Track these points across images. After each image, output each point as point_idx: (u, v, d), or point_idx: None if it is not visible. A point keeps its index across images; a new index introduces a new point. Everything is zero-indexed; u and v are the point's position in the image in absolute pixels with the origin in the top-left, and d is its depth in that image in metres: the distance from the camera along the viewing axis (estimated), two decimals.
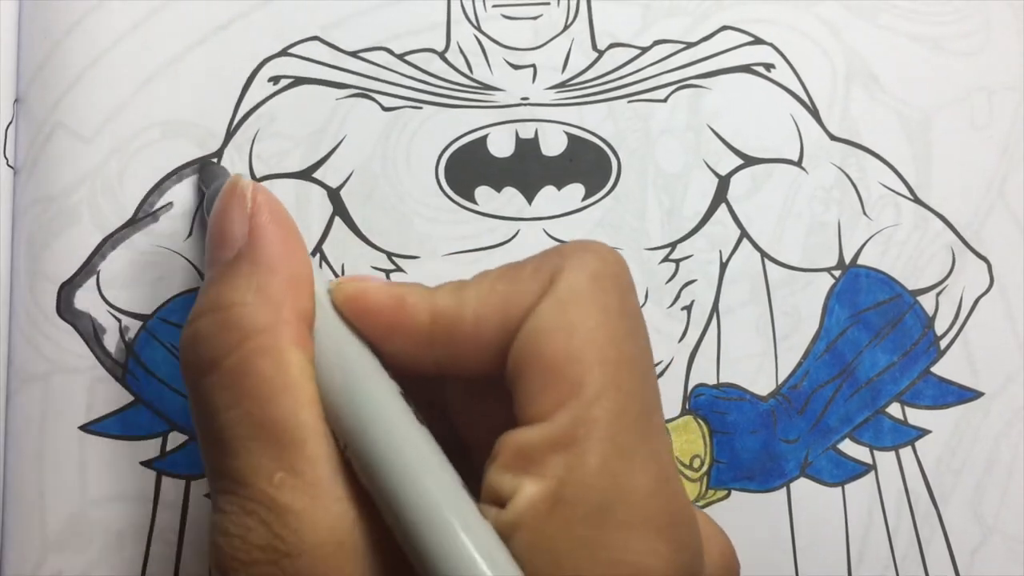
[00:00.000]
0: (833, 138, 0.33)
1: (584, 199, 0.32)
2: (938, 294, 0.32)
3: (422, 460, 0.21)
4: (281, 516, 0.20)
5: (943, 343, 0.32)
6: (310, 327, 0.22)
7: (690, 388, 0.32)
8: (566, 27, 0.33)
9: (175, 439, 0.31)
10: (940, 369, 0.32)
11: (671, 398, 0.32)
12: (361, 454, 0.21)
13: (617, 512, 0.20)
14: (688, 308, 0.32)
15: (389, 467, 0.20)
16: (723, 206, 0.32)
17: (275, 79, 0.32)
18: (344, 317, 0.23)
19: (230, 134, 0.32)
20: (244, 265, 0.22)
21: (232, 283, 0.22)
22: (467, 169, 0.32)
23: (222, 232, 0.23)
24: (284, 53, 0.32)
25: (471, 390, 0.24)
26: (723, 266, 0.32)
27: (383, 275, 0.32)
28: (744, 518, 0.31)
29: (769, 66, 0.33)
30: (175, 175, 0.32)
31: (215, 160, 0.31)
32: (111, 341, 0.31)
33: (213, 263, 0.23)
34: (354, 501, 0.21)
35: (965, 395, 0.32)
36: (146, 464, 0.31)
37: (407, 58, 0.33)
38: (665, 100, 0.33)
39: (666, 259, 0.32)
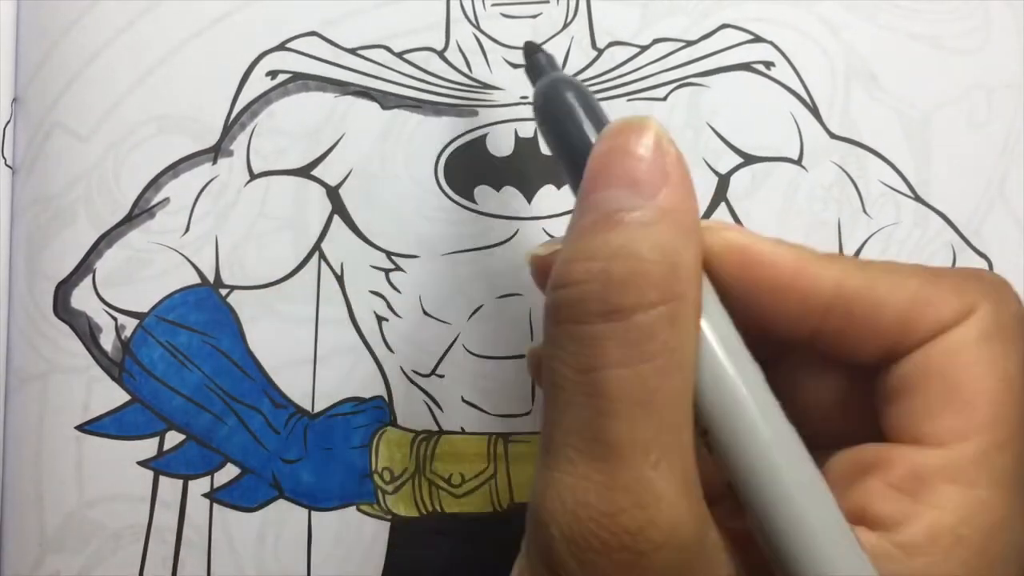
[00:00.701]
0: (833, 136, 0.33)
1: None
2: None
3: (796, 462, 0.20)
4: (657, 505, 0.19)
5: None
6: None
7: None
8: (565, 26, 0.33)
9: (172, 439, 0.31)
10: None
11: None
12: (732, 448, 0.20)
13: (1011, 567, 0.19)
14: None
15: (765, 465, 0.19)
16: (723, 204, 0.32)
17: (273, 73, 0.32)
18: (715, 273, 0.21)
19: (227, 129, 0.32)
20: (666, 227, 0.20)
21: (651, 239, 0.20)
22: (466, 168, 0.32)
23: (628, 170, 0.20)
24: (282, 48, 0.32)
25: (810, 371, 0.23)
26: None
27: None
28: None
29: (769, 64, 0.33)
30: (171, 170, 0.32)
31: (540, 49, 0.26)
32: (107, 340, 0.31)
33: (609, 200, 0.20)
34: (703, 500, 0.20)
35: None
36: (143, 464, 0.31)
37: (406, 56, 0.32)
38: (664, 99, 0.33)
39: None
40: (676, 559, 0.19)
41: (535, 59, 0.26)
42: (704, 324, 0.20)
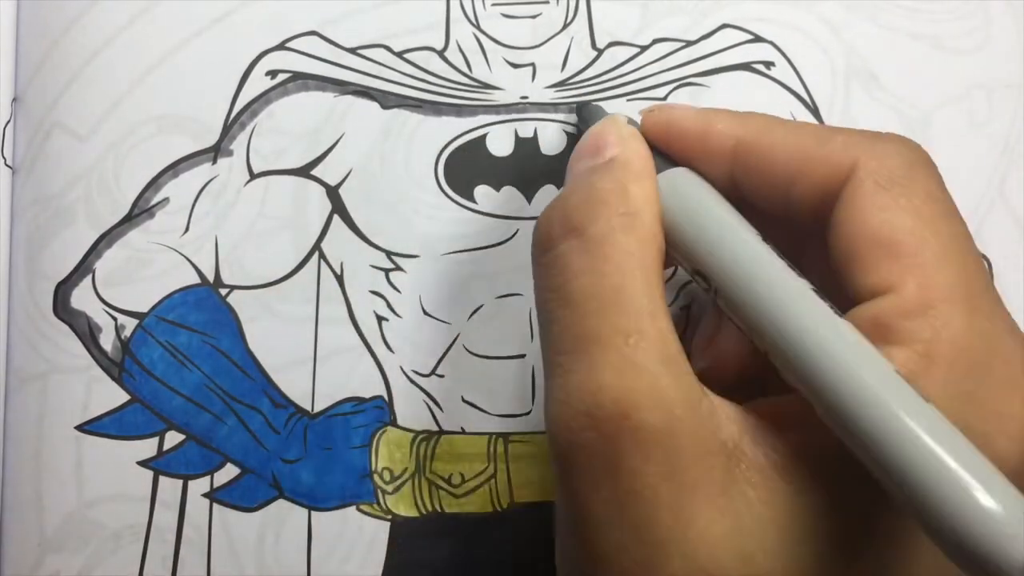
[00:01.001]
0: None
1: None
2: None
3: (812, 300, 0.21)
4: (638, 374, 0.21)
5: None
6: (660, 226, 0.24)
7: None
8: (565, 26, 0.33)
9: (172, 439, 0.31)
10: None
11: None
12: (744, 292, 0.22)
13: (995, 369, 0.21)
14: (687, 308, 0.32)
15: (781, 303, 0.21)
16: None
17: (273, 73, 0.32)
18: (657, 148, 0.25)
19: (227, 128, 0.32)
20: (617, 166, 0.24)
21: (604, 176, 0.24)
22: (466, 168, 0.32)
23: (596, 145, 0.25)
24: (282, 47, 0.32)
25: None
26: None
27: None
28: None
29: (769, 64, 0.33)
30: (171, 170, 0.32)
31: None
32: (107, 340, 0.31)
33: (580, 168, 0.25)
34: (693, 375, 0.22)
35: None
36: (143, 464, 0.31)
37: (406, 56, 0.32)
38: (664, 99, 0.33)
39: None
40: (662, 420, 0.20)
41: (588, 109, 0.32)
42: (703, 190, 0.24)
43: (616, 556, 0.21)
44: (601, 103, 0.32)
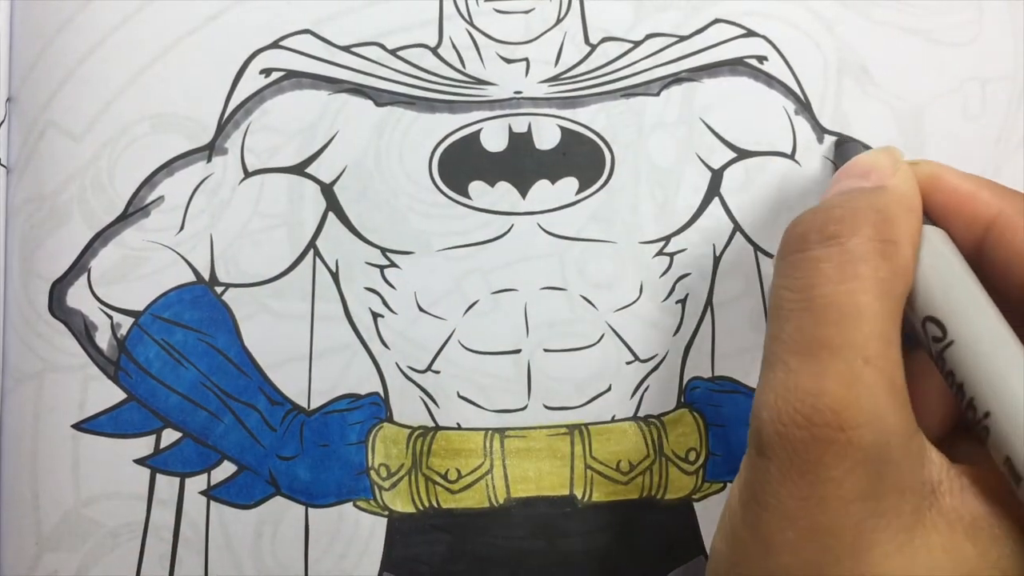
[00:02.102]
0: (825, 131, 0.33)
1: (578, 193, 0.32)
2: None
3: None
4: (864, 392, 0.21)
5: None
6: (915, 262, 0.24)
7: (685, 381, 0.32)
8: (558, 21, 0.33)
9: (169, 436, 0.31)
10: None
11: (666, 392, 0.32)
12: (986, 349, 0.22)
13: None
14: (682, 302, 0.32)
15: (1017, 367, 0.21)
16: (716, 199, 0.32)
17: (267, 71, 0.32)
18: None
19: (221, 127, 0.32)
20: (887, 195, 0.24)
21: (873, 199, 0.24)
22: (461, 164, 0.32)
23: (868, 168, 0.25)
24: (275, 45, 0.32)
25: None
26: (717, 259, 0.32)
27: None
28: None
29: (762, 59, 0.33)
30: (166, 169, 0.32)
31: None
32: (103, 338, 0.31)
33: (846, 186, 0.25)
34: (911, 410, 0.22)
35: None
36: (140, 462, 0.31)
37: (400, 53, 0.32)
38: (658, 94, 0.33)
39: (660, 253, 0.32)
40: (875, 443, 0.21)
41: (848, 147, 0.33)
42: (957, 252, 0.24)
43: (785, 549, 0.21)
44: (586, 98, 0.32)
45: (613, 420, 0.31)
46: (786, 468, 0.21)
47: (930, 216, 0.25)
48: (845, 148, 0.32)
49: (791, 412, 0.21)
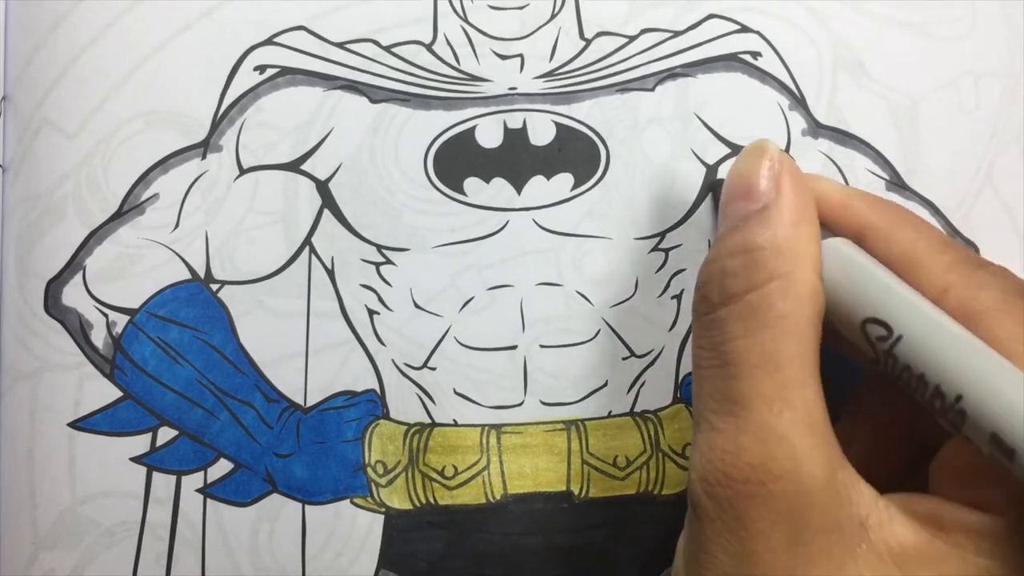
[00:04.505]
0: (820, 126, 0.33)
1: (573, 188, 0.32)
2: None
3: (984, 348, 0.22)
4: (778, 443, 0.22)
5: None
6: (819, 280, 0.24)
7: (681, 376, 0.32)
8: (553, 16, 0.33)
9: (165, 434, 0.31)
10: None
11: (662, 387, 0.32)
12: (935, 336, 0.22)
13: None
14: (678, 297, 0.32)
15: (974, 347, 0.22)
16: (711, 195, 0.32)
17: (261, 68, 0.32)
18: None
19: (216, 124, 0.32)
20: (772, 216, 0.25)
21: (760, 230, 0.24)
22: (456, 160, 0.32)
23: (748, 186, 0.25)
24: (269, 42, 0.32)
25: None
26: None
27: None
28: None
29: (756, 54, 0.33)
30: (160, 166, 0.32)
31: None
32: (99, 337, 0.31)
33: (734, 212, 0.26)
34: (836, 444, 0.23)
35: None
36: (136, 460, 0.31)
37: (394, 50, 0.32)
38: (652, 89, 0.33)
39: (655, 248, 0.32)
40: (796, 491, 0.21)
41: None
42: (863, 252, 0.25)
43: None
44: (581, 94, 0.32)
45: (610, 416, 0.32)
46: (717, 526, 0.22)
47: None
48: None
49: (714, 472, 0.22)
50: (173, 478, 0.31)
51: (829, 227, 0.26)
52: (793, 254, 0.24)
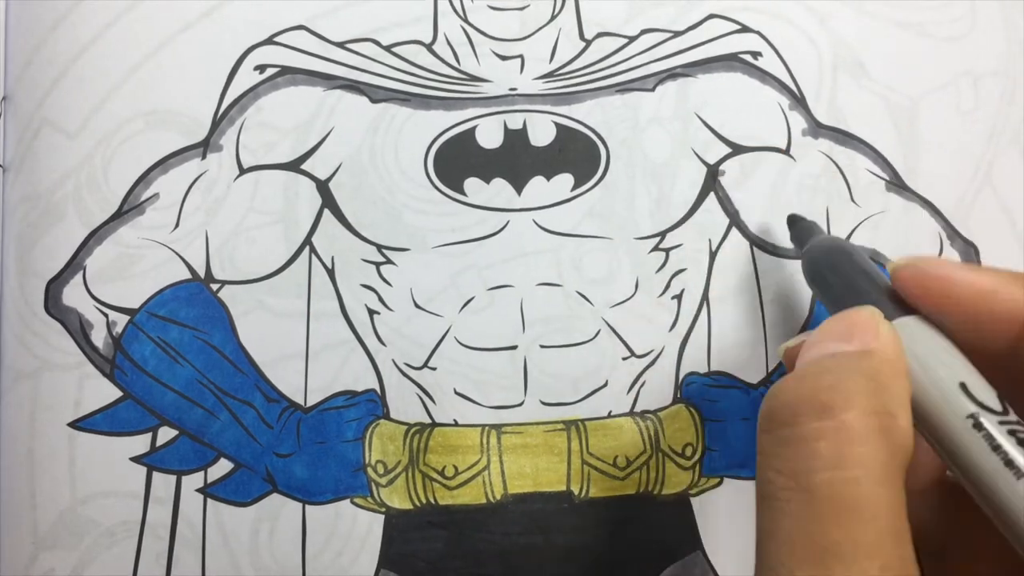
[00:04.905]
0: (820, 126, 0.33)
1: (573, 189, 0.32)
2: None
3: None
4: None
5: None
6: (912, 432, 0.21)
7: (681, 377, 0.32)
8: (553, 17, 0.33)
9: (165, 434, 0.31)
10: None
11: (662, 387, 0.32)
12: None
13: None
14: (678, 297, 0.32)
15: None
16: (711, 195, 0.32)
17: (261, 67, 0.32)
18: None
19: (216, 123, 0.32)
20: (875, 360, 0.22)
21: (860, 365, 0.21)
22: (456, 161, 0.32)
23: (851, 331, 0.22)
24: (270, 42, 0.32)
25: None
26: (712, 255, 0.32)
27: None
28: (736, 505, 0.31)
29: (756, 54, 0.33)
30: (160, 166, 0.32)
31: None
32: (99, 336, 0.31)
33: (826, 349, 0.23)
34: None
35: None
36: (136, 460, 0.31)
37: (394, 50, 0.32)
38: (653, 89, 0.33)
39: (656, 248, 0.32)
40: None
41: (800, 226, 0.30)
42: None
43: None
44: (581, 94, 0.32)
45: (610, 416, 0.32)
46: None
47: (945, 322, 0.23)
48: (799, 227, 0.30)
49: None
50: (173, 478, 0.31)
51: (980, 320, 0.23)
52: (896, 400, 0.21)
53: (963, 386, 0.21)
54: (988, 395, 0.21)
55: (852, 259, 0.26)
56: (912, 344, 0.22)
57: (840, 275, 0.26)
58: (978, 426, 0.20)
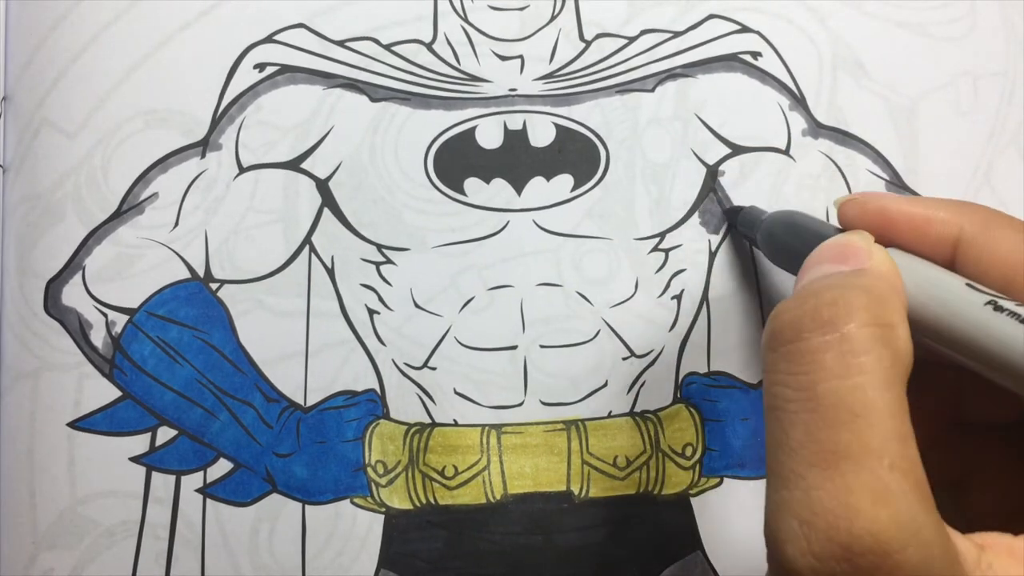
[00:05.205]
0: (820, 126, 0.33)
1: (573, 189, 0.32)
2: None
3: None
4: (896, 506, 0.19)
5: None
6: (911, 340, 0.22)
7: (681, 377, 0.32)
8: (553, 17, 0.33)
9: (164, 434, 0.31)
10: None
11: (662, 387, 0.32)
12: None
13: None
14: (678, 297, 0.32)
15: None
16: (711, 195, 0.32)
17: (260, 66, 0.32)
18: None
19: (215, 122, 0.32)
20: (871, 277, 0.23)
21: (858, 281, 0.22)
22: (456, 161, 0.32)
23: (844, 253, 0.24)
24: (269, 40, 0.32)
25: None
26: (712, 255, 0.32)
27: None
28: (736, 505, 0.31)
29: (756, 54, 0.33)
30: (160, 165, 0.32)
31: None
32: (98, 336, 0.31)
33: (822, 270, 0.24)
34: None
35: None
36: (136, 460, 0.31)
37: (394, 49, 0.32)
38: (652, 90, 0.33)
39: (655, 249, 0.32)
40: (920, 561, 0.19)
41: (743, 213, 0.31)
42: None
43: None
44: (581, 95, 0.32)
45: (609, 416, 0.31)
46: None
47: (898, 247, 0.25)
48: (743, 215, 0.31)
49: (824, 543, 0.19)
50: (173, 478, 0.31)
51: (918, 245, 0.25)
52: (895, 311, 0.22)
53: (969, 284, 0.22)
54: (989, 288, 0.22)
55: (805, 219, 0.28)
56: (906, 261, 0.24)
57: (799, 236, 0.27)
58: (1000, 308, 0.21)
